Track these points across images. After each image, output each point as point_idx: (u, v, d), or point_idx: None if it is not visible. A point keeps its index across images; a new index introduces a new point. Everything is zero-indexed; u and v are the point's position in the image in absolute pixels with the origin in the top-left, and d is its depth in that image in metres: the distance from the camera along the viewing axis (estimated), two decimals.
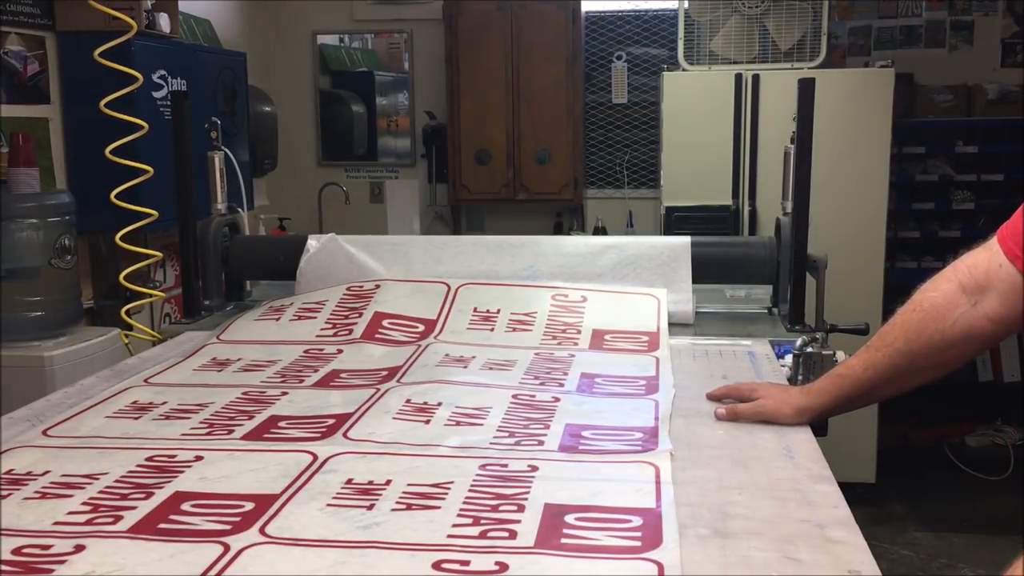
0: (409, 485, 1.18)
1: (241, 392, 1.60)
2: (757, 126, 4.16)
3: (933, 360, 1.29)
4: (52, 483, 1.20)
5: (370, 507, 1.12)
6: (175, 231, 2.34)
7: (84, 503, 1.14)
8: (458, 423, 1.42)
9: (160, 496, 1.15)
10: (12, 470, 1.25)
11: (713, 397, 1.53)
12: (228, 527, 1.06)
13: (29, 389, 2.29)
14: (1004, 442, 4.40)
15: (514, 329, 1.94)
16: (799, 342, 1.72)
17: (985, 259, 1.25)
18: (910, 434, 4.49)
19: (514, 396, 1.54)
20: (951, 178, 4.53)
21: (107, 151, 2.85)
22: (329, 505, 1.12)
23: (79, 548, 1.02)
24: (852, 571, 0.96)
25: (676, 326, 1.99)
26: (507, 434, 1.37)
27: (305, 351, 1.86)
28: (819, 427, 1.44)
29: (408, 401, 1.51)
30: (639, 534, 1.04)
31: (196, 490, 1.18)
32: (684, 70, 4.33)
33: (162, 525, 1.07)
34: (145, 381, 1.68)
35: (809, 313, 2.05)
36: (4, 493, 1.17)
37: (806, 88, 2.02)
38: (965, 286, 1.25)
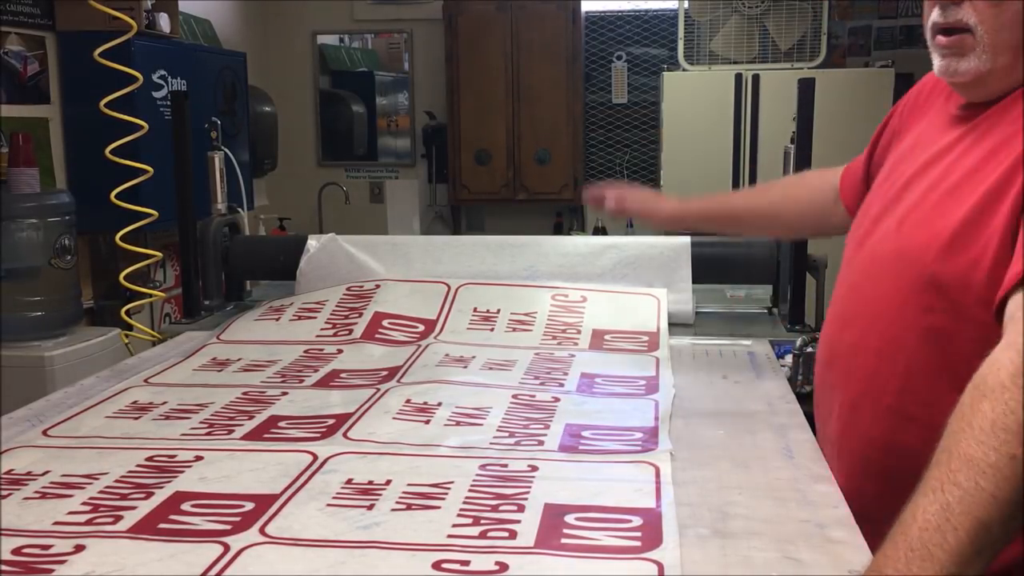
0: (409, 485, 1.18)
1: (241, 392, 1.60)
2: (757, 126, 4.17)
3: (790, 221, 1.60)
4: (52, 483, 1.20)
5: (370, 507, 1.12)
6: (175, 231, 2.33)
7: (84, 503, 1.14)
8: (458, 423, 1.42)
9: (160, 496, 1.15)
10: (12, 470, 1.25)
11: (595, 198, 1.73)
12: (228, 527, 1.06)
13: (29, 389, 2.29)
14: None
15: (514, 329, 1.94)
16: (799, 342, 1.73)
17: (833, 175, 1.55)
18: None
19: (514, 396, 1.54)
20: None
21: (107, 151, 2.85)
22: (329, 505, 1.12)
23: (79, 548, 1.01)
24: (852, 571, 0.96)
25: (676, 326, 1.99)
26: (507, 434, 1.37)
27: (305, 351, 1.86)
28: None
29: (408, 401, 1.51)
30: (639, 534, 1.04)
31: (196, 490, 1.18)
32: (684, 70, 4.33)
33: (162, 525, 1.07)
34: (145, 381, 1.68)
35: (809, 313, 2.05)
36: (4, 493, 1.17)
37: (806, 88, 2.02)
38: (824, 178, 1.56)
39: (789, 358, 1.75)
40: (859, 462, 1.19)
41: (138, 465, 1.26)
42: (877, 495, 1.10)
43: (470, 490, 1.16)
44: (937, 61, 1.11)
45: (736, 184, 4.22)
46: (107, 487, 1.19)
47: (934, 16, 1.09)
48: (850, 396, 1.19)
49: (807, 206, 1.57)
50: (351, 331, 1.93)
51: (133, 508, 1.12)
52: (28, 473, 1.24)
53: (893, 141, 1.35)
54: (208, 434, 1.39)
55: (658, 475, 1.20)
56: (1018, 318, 0.89)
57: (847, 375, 1.20)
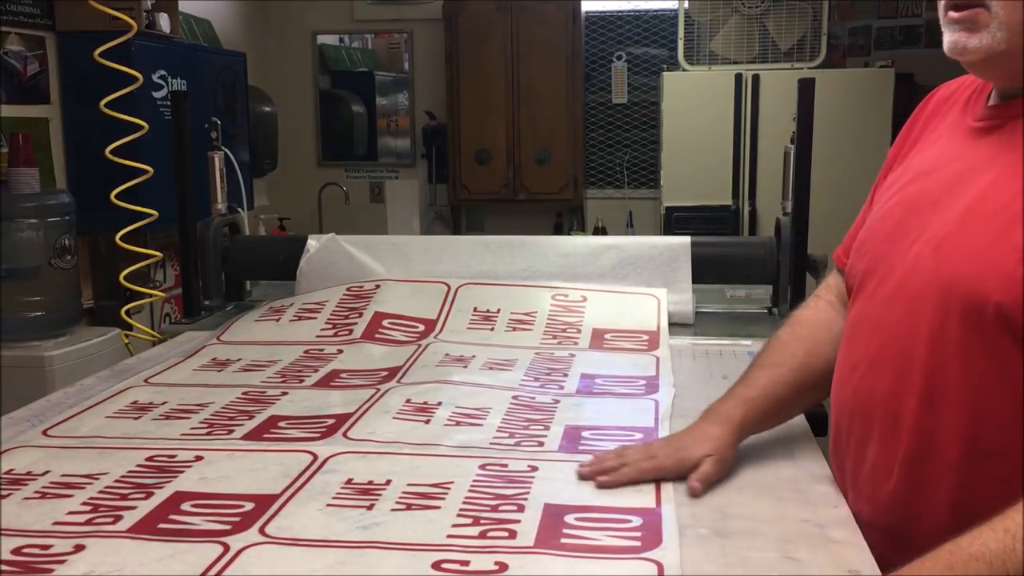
0: (409, 485, 1.18)
1: (241, 392, 1.60)
2: (757, 126, 4.17)
3: (827, 373, 1.23)
4: (52, 483, 1.20)
5: (370, 507, 1.12)
6: (175, 231, 2.34)
7: (84, 503, 1.14)
8: (458, 423, 1.42)
9: (160, 496, 1.15)
10: (12, 470, 1.25)
11: (584, 476, 1.21)
12: (228, 527, 1.06)
13: (29, 389, 2.29)
14: None
15: (514, 329, 1.94)
16: None
17: (833, 277, 1.34)
18: None
19: (514, 398, 1.54)
20: None
21: (107, 151, 2.85)
22: (329, 505, 1.12)
23: (79, 548, 1.02)
24: (852, 571, 0.96)
25: (676, 326, 1.99)
26: (507, 434, 1.37)
27: (305, 351, 1.86)
28: (819, 427, 1.44)
29: (408, 401, 1.51)
30: (639, 534, 1.04)
31: (196, 490, 1.18)
32: (684, 70, 4.33)
33: (162, 525, 1.07)
34: (145, 381, 1.68)
35: None
36: (4, 493, 1.17)
37: (806, 88, 2.02)
38: (832, 303, 1.32)
39: None
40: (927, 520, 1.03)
41: (138, 465, 1.26)
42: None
43: (470, 490, 1.16)
44: (947, 37, 1.02)
45: (736, 183, 4.22)
46: (107, 487, 1.19)
47: None
48: (905, 453, 1.02)
49: (821, 327, 1.29)
50: (351, 331, 1.93)
51: (133, 508, 1.12)
52: (28, 473, 1.24)
53: (895, 165, 1.23)
54: (208, 434, 1.39)
55: None
56: None
57: (892, 428, 1.03)
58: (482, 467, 1.24)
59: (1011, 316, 0.91)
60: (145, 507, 1.12)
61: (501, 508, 1.11)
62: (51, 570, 0.97)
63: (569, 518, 1.08)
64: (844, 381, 1.13)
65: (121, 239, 2.87)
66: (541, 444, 1.33)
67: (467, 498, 1.14)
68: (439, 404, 1.50)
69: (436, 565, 0.97)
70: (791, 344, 1.29)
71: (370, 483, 1.19)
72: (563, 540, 1.02)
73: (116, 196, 2.85)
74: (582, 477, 1.19)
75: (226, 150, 2.46)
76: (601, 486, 1.16)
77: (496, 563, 0.97)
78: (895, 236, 1.08)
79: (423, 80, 5.21)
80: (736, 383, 1.29)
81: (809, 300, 1.37)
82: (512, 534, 1.04)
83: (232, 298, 2.35)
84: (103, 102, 2.84)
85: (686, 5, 4.29)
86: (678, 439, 1.23)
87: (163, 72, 3.41)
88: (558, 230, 5.09)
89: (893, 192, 1.15)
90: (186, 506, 1.13)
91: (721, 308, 2.22)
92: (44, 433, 1.40)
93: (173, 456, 1.29)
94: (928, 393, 0.99)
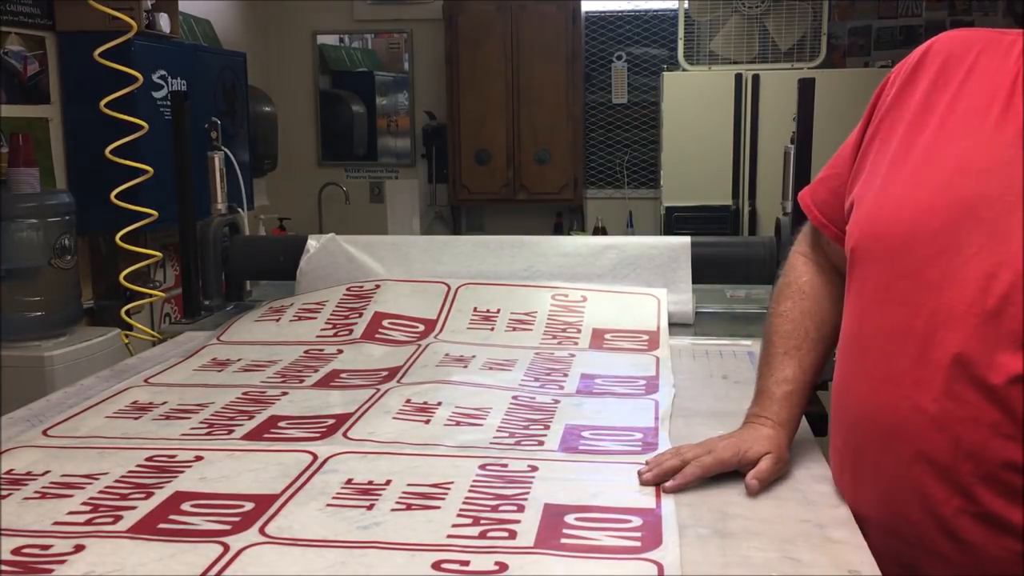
0: (409, 485, 1.18)
1: (241, 392, 1.60)
2: (757, 126, 4.17)
3: (832, 341, 1.23)
4: (52, 483, 1.20)
5: (370, 507, 1.12)
6: (175, 231, 2.34)
7: (84, 503, 1.14)
8: (458, 423, 1.42)
9: (160, 496, 1.15)
10: (12, 470, 1.25)
11: (649, 482, 1.17)
12: (228, 527, 1.06)
13: (29, 389, 2.29)
14: None
15: (514, 328, 1.94)
16: None
17: (812, 231, 1.32)
18: None
19: (514, 398, 1.54)
20: None
21: (107, 151, 2.85)
22: (329, 505, 1.12)
23: (79, 548, 1.01)
24: (852, 571, 0.96)
25: (676, 326, 1.99)
26: (507, 434, 1.37)
27: (305, 351, 1.86)
28: (819, 427, 1.44)
29: (408, 401, 1.51)
30: (639, 534, 1.04)
31: (196, 490, 1.18)
32: (684, 70, 4.34)
33: (162, 525, 1.07)
34: (145, 381, 1.68)
35: None
36: (4, 493, 1.17)
37: (806, 88, 2.02)
38: (822, 267, 1.30)
39: None
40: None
41: (138, 465, 1.26)
42: None
43: (470, 490, 1.16)
44: None
45: (736, 183, 4.22)
46: (107, 487, 1.19)
47: None
48: (968, 478, 0.95)
49: (824, 297, 1.27)
50: (351, 331, 1.93)
51: (133, 508, 1.12)
52: (28, 473, 1.24)
53: (895, 118, 1.13)
54: (208, 434, 1.39)
55: None
56: None
57: (954, 452, 0.96)
58: (482, 467, 1.24)
59: None
60: (145, 507, 1.12)
61: (501, 508, 1.11)
62: (51, 570, 0.97)
63: (569, 518, 1.08)
64: (873, 394, 1.04)
65: (121, 239, 2.87)
66: (541, 443, 1.33)
67: (467, 498, 1.14)
68: (439, 404, 1.50)
69: (436, 565, 0.97)
70: (802, 321, 1.26)
71: (370, 483, 1.19)
72: (563, 540, 1.02)
73: (116, 196, 2.84)
74: (645, 483, 1.16)
75: (226, 150, 2.46)
76: (669, 491, 1.14)
77: (496, 563, 0.97)
78: (947, 242, 0.98)
79: (423, 80, 5.21)
80: (765, 376, 1.27)
81: (796, 261, 1.33)
82: (512, 534, 1.04)
83: (232, 298, 2.35)
84: (103, 102, 2.84)
85: (686, 5, 4.30)
86: (735, 436, 1.22)
87: (163, 72, 3.41)
88: (558, 230, 5.09)
89: (924, 175, 1.03)
90: (186, 506, 1.13)
91: (721, 308, 2.22)
92: (44, 433, 1.40)
93: (173, 456, 1.29)
94: (999, 422, 0.93)
